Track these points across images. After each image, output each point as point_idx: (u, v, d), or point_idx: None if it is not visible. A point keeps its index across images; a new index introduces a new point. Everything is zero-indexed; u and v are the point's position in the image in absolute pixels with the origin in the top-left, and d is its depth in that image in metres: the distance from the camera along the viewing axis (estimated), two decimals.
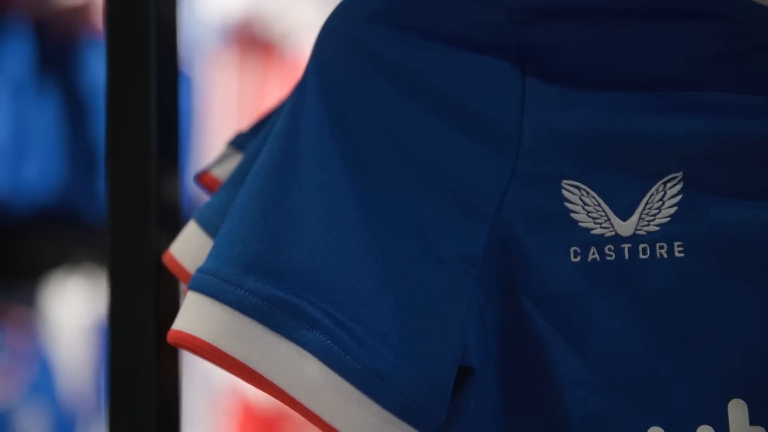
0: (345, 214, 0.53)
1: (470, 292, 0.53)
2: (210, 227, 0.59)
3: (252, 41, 2.52)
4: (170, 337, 0.53)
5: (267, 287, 0.52)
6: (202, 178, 0.64)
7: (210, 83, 2.41)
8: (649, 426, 0.53)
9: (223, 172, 0.64)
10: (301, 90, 0.56)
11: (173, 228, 0.62)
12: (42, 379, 1.94)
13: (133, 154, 0.60)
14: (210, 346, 0.52)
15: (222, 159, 0.65)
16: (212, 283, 0.53)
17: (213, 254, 0.54)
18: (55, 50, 1.99)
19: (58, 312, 2.12)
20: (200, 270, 0.54)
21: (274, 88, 2.59)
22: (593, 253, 0.54)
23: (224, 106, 2.47)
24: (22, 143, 1.92)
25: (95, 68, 2.05)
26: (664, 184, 0.54)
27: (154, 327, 0.60)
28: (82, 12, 2.00)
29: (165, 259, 0.60)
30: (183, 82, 2.28)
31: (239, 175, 0.59)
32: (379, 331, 0.51)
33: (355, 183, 0.54)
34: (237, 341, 0.52)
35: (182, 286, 0.64)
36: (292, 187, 0.53)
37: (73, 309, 2.14)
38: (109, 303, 0.60)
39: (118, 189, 0.60)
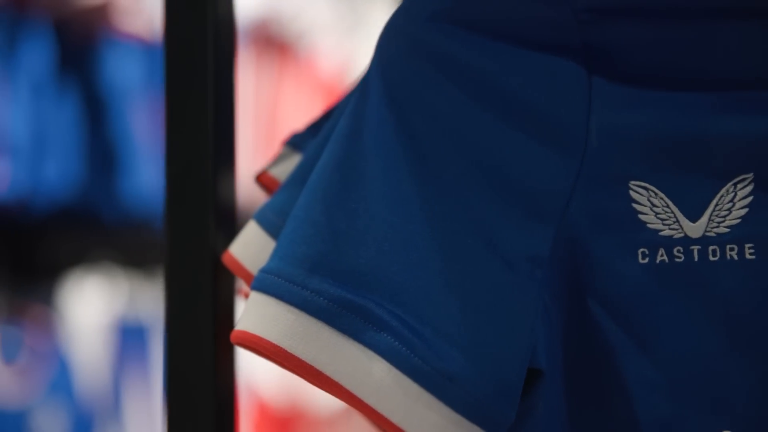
0: (410, 214, 0.53)
1: (537, 294, 0.53)
2: (270, 227, 0.59)
3: (268, 41, 2.52)
4: (234, 338, 0.53)
5: (333, 288, 0.52)
6: (261, 177, 0.64)
7: None
8: (720, 431, 0.53)
9: (281, 172, 0.64)
10: (363, 90, 0.55)
11: (230, 228, 0.62)
12: (60, 378, 1.94)
13: (191, 154, 0.60)
14: (275, 346, 0.52)
15: (280, 159, 0.64)
16: (277, 283, 0.53)
17: (276, 254, 0.54)
18: (75, 50, 1.99)
19: (76, 311, 2.12)
20: (264, 270, 0.54)
21: (290, 88, 2.59)
22: (662, 255, 0.54)
23: (240, 105, 2.46)
24: (42, 143, 1.92)
25: (114, 67, 2.05)
26: (735, 185, 0.54)
27: (211, 327, 0.60)
28: (102, 11, 2.00)
29: (225, 259, 0.60)
30: None
31: (300, 176, 0.59)
32: (447, 332, 0.51)
33: (419, 183, 0.53)
34: (303, 342, 0.51)
35: (237, 286, 0.64)
36: (357, 187, 0.53)
37: (92, 308, 2.14)
38: (167, 303, 0.60)
39: (177, 189, 0.60)
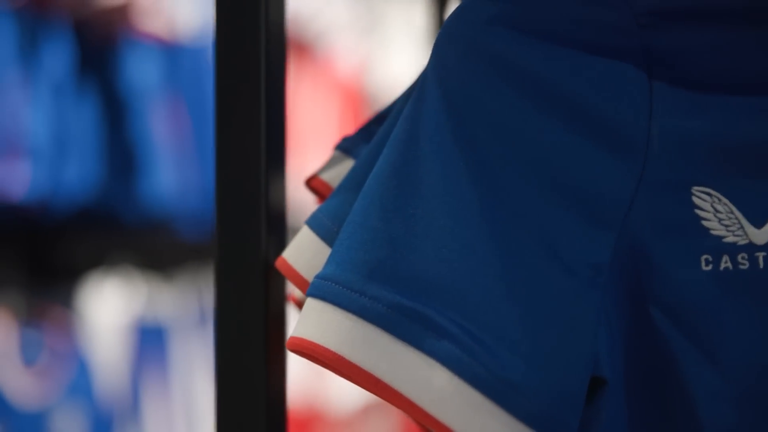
0: (469, 220, 0.52)
1: (598, 301, 0.52)
2: (324, 232, 0.58)
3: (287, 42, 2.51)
4: (290, 345, 0.53)
5: (391, 294, 0.51)
6: (312, 182, 0.64)
7: None
8: None
9: (333, 177, 0.63)
10: (420, 94, 0.55)
11: (281, 233, 0.61)
12: (79, 379, 1.94)
13: (243, 158, 0.59)
14: (333, 354, 0.51)
15: (331, 163, 0.64)
16: (334, 289, 0.52)
17: (333, 260, 0.53)
18: (95, 50, 1.99)
19: (95, 312, 2.12)
20: (320, 276, 0.53)
21: (307, 88, 2.59)
22: (726, 262, 0.53)
23: None
24: (62, 144, 1.91)
25: (134, 68, 2.05)
26: None
27: (262, 333, 0.59)
28: (122, 12, 1.99)
29: (278, 264, 0.59)
30: None
31: (354, 181, 0.58)
32: (509, 339, 0.50)
33: (478, 189, 0.53)
34: (362, 349, 0.51)
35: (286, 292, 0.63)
36: (414, 193, 0.53)
37: (111, 309, 2.14)
38: (217, 309, 0.60)
39: (228, 193, 0.59)
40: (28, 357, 1.87)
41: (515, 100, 0.54)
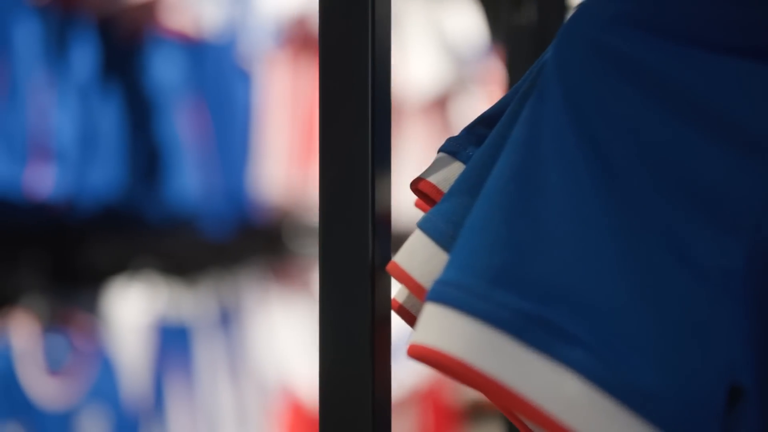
0: (595, 224, 0.51)
1: (732, 307, 0.50)
2: (440, 236, 0.56)
3: (308, 38, 2.49)
4: (411, 352, 0.51)
5: (517, 300, 0.49)
6: (419, 185, 0.62)
7: (266, 81, 2.39)
8: None
9: (441, 180, 0.62)
10: (540, 95, 0.53)
11: (387, 236, 0.60)
12: (104, 381, 1.92)
13: (349, 160, 0.58)
14: (457, 360, 0.49)
15: (437, 165, 0.62)
16: (457, 294, 0.50)
17: (454, 265, 0.52)
18: (121, 48, 1.97)
19: (120, 314, 2.10)
20: (441, 281, 0.51)
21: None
22: None
23: (279, 104, 2.44)
24: (87, 145, 1.90)
25: (159, 67, 2.03)
26: None
27: (369, 338, 0.58)
28: (148, 9, 1.97)
29: (390, 268, 0.57)
30: (243, 80, 2.27)
31: (468, 184, 0.56)
32: (640, 346, 0.49)
33: (603, 192, 0.51)
34: (487, 356, 0.49)
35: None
36: (537, 196, 0.51)
37: (136, 311, 2.13)
38: (322, 314, 0.58)
39: (333, 196, 0.58)
40: (53, 359, 1.86)
41: (641, 102, 0.52)
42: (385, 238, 0.59)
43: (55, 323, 1.90)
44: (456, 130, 3.08)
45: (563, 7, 0.83)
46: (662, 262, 0.51)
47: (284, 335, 2.55)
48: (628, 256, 0.50)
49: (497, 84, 3.51)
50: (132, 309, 2.12)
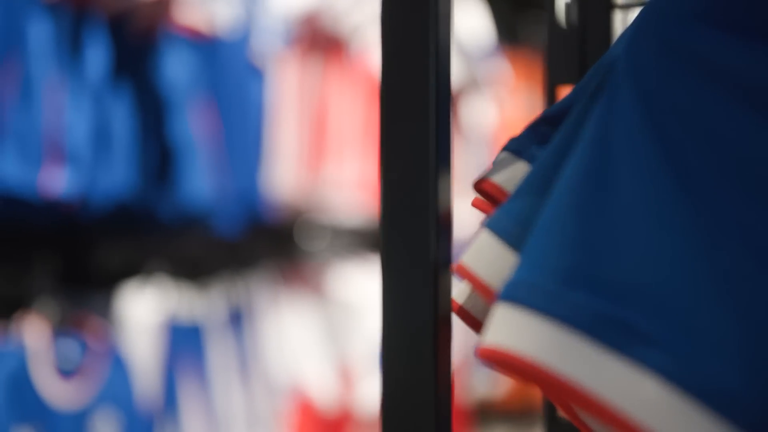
0: (671, 225, 0.50)
1: None
2: (508, 237, 0.56)
3: (318, 36, 2.49)
4: (483, 354, 0.50)
5: (594, 300, 0.49)
6: (482, 185, 0.61)
7: (278, 79, 2.38)
8: None
9: (504, 179, 0.61)
10: (611, 95, 0.53)
11: (448, 236, 0.59)
12: (116, 380, 1.91)
13: (411, 160, 0.57)
14: (531, 362, 0.49)
15: (500, 165, 0.62)
16: (530, 295, 0.50)
17: (526, 265, 0.51)
18: (133, 47, 1.95)
19: (131, 314, 2.09)
20: (514, 282, 0.51)
21: (338, 85, 2.56)
22: None
23: (290, 102, 2.44)
24: (100, 144, 1.88)
25: (171, 64, 2.01)
26: None
27: (431, 338, 0.57)
28: (161, 6, 1.96)
29: (456, 269, 0.57)
30: (255, 78, 2.26)
31: (536, 184, 0.56)
32: (722, 347, 0.48)
33: (678, 192, 0.51)
34: (563, 357, 0.48)
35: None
36: (610, 196, 0.51)
37: (147, 311, 2.12)
38: (384, 314, 0.57)
39: (395, 196, 0.57)
40: (66, 360, 1.85)
41: (716, 100, 0.51)
42: (446, 238, 0.58)
43: (67, 324, 1.89)
44: (467, 129, 3.06)
45: (608, 5, 0.82)
46: (741, 262, 0.50)
47: (296, 335, 2.54)
48: (704, 256, 0.50)
49: (506, 84, 3.51)
50: (144, 310, 2.11)
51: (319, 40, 2.50)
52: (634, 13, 0.81)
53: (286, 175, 2.41)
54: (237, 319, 2.34)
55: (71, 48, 1.82)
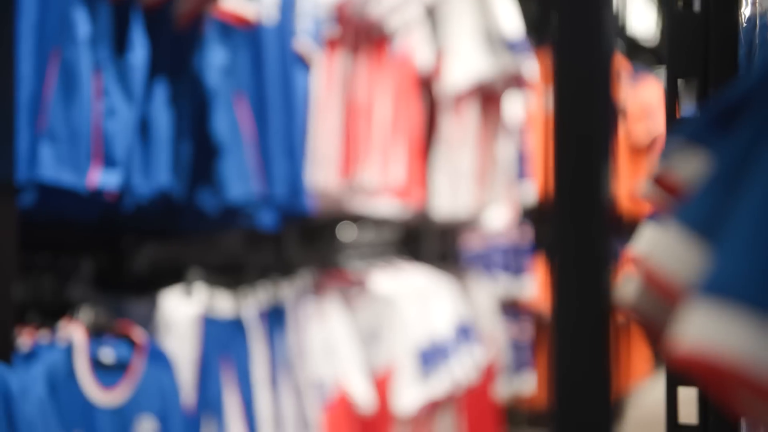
0: None
1: None
2: (696, 229, 0.53)
3: (360, 29, 2.46)
4: (683, 353, 0.48)
5: None
6: (662, 176, 0.59)
7: (320, 70, 2.35)
8: None
9: (686, 171, 0.58)
10: None
11: (617, 231, 0.57)
12: (158, 380, 1.89)
13: (583, 152, 0.55)
14: (745, 363, 0.46)
15: (680, 156, 0.59)
16: (740, 289, 0.47)
17: (727, 261, 0.48)
18: (177, 36, 1.91)
19: (173, 314, 2.07)
20: (714, 279, 0.48)
21: (377, 78, 2.54)
22: None
23: (333, 92, 2.41)
24: (143, 140, 1.85)
25: (216, 53, 1.96)
26: None
27: (604, 333, 0.55)
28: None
29: (637, 262, 0.54)
30: (300, 68, 2.22)
31: (727, 177, 0.53)
32: None
33: None
34: None
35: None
36: None
37: (188, 311, 2.09)
38: (557, 308, 0.55)
39: (567, 192, 0.55)
40: (107, 358, 1.83)
41: None
42: (615, 233, 0.56)
43: (109, 323, 1.86)
44: (504, 121, 3.02)
45: None
46: None
47: (337, 334, 2.52)
48: None
49: (544, 77, 3.48)
50: (185, 307, 2.09)
51: (362, 33, 2.47)
52: None
53: (327, 169, 2.38)
54: (279, 318, 2.32)
55: (114, 40, 1.78)
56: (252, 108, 2.10)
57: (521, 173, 3.79)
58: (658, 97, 4.61)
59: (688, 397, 0.82)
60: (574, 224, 0.55)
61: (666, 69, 0.83)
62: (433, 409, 2.82)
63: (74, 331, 1.77)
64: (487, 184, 3.23)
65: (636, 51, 4.89)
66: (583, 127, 0.55)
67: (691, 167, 0.58)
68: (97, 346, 1.81)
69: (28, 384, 1.59)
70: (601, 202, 0.55)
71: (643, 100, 4.60)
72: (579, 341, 0.55)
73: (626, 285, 0.57)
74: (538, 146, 3.87)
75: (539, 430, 4.05)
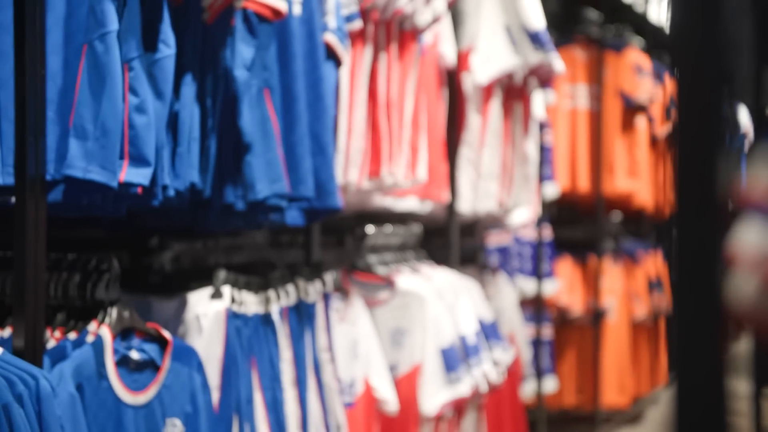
0: None
1: None
2: None
3: (390, 24, 2.43)
4: None
5: None
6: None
7: (348, 63, 2.32)
8: None
9: None
10: None
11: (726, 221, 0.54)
12: (185, 378, 1.86)
13: (701, 148, 0.52)
14: None
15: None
16: None
17: None
18: (206, 28, 1.88)
19: (201, 313, 2.04)
20: None
21: (403, 67, 2.51)
22: None
23: (355, 84, 2.38)
24: (172, 134, 1.82)
25: (246, 45, 1.92)
26: None
27: (722, 334, 0.52)
28: None
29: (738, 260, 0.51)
30: (329, 61, 2.18)
31: None
32: None
33: None
34: None
35: None
36: None
37: (216, 309, 2.06)
38: (676, 309, 0.52)
39: (689, 190, 0.52)
40: (137, 355, 1.81)
41: None
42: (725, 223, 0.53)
43: (139, 323, 1.83)
44: (534, 116, 2.99)
45: None
46: None
47: (362, 334, 2.49)
48: None
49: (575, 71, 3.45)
50: (212, 308, 2.06)
51: (389, 27, 2.43)
52: None
53: (354, 166, 2.35)
54: (302, 316, 2.29)
55: (144, 34, 1.74)
56: (280, 103, 2.06)
57: (542, 171, 3.76)
58: None
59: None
60: (698, 226, 0.52)
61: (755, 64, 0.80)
62: (458, 408, 2.79)
63: (103, 332, 1.74)
64: (512, 182, 3.20)
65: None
66: (706, 129, 0.53)
67: None
68: (125, 346, 1.79)
69: (58, 384, 1.57)
70: (716, 206, 0.53)
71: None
72: (701, 347, 0.52)
73: (741, 285, 0.54)
74: (562, 143, 3.84)
75: (560, 430, 4.03)
